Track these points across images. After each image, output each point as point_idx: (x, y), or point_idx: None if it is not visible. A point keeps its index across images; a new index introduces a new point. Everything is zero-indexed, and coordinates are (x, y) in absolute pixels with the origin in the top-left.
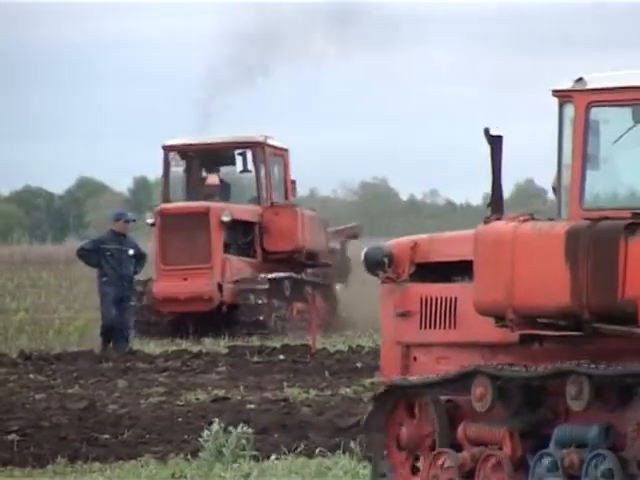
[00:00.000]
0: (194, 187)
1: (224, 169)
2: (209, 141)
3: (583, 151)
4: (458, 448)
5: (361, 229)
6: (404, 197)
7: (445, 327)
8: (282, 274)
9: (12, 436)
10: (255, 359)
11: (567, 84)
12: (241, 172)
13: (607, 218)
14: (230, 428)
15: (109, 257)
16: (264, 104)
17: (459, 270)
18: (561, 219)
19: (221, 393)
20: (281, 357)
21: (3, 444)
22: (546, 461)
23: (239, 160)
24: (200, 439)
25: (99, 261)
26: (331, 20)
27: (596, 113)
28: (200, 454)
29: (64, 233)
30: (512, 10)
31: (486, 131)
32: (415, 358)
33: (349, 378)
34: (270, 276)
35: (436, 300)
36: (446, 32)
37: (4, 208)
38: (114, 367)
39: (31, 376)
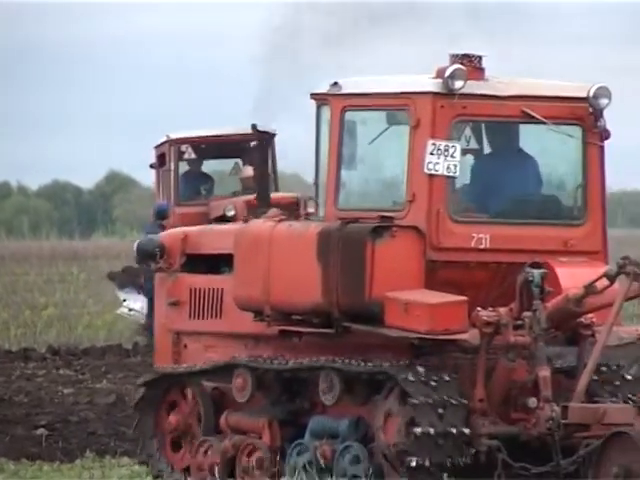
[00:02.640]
0: (205, 181)
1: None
2: (224, 133)
3: (338, 153)
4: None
5: None
6: None
7: (212, 317)
8: None
9: (41, 431)
10: None
11: (324, 88)
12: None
13: (359, 220)
14: None
15: None
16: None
17: (227, 263)
18: (318, 218)
19: None
20: None
21: (32, 439)
22: (301, 451)
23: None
24: None
25: None
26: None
27: (352, 115)
28: None
29: (92, 228)
30: None
31: (254, 127)
32: (185, 346)
33: None
34: None
35: (204, 291)
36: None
37: (33, 203)
38: (142, 362)
39: (60, 371)
